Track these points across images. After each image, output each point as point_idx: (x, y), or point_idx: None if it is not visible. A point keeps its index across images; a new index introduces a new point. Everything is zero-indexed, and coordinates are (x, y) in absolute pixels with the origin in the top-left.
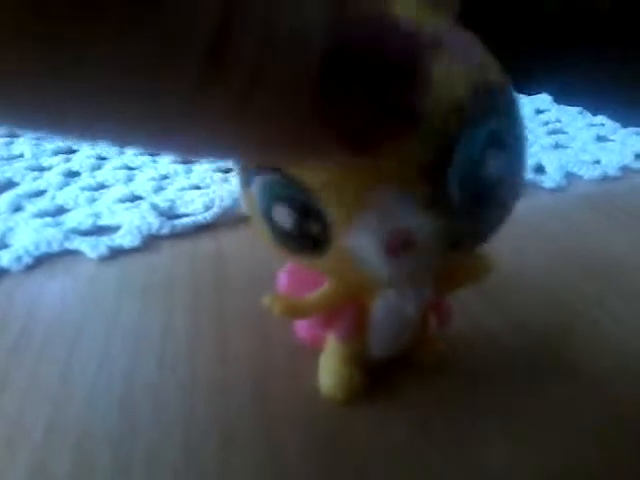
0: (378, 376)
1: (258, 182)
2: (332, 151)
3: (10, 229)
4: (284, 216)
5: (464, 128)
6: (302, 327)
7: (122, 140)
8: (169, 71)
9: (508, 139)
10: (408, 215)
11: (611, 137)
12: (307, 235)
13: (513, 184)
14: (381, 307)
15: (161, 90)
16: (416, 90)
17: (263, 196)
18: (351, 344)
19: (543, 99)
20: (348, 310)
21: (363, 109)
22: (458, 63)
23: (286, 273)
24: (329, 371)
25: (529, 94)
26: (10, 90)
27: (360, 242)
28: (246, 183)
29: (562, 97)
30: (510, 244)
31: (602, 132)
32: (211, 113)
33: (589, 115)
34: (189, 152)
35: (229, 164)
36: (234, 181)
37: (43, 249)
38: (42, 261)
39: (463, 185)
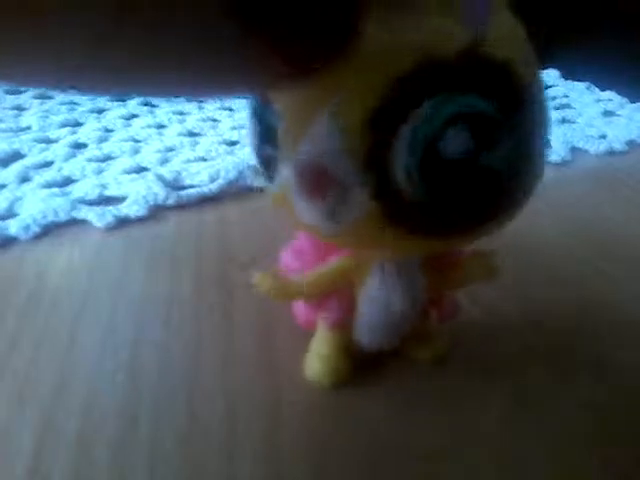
0: (371, 367)
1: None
2: (271, 74)
3: (18, 199)
4: (252, 131)
5: (429, 91)
6: (299, 309)
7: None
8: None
9: (497, 126)
10: (334, 153)
11: (618, 112)
12: (263, 154)
13: (500, 176)
14: (367, 295)
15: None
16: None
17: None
18: (340, 331)
19: (551, 74)
20: (337, 296)
21: (293, 29)
22: (454, 18)
23: (289, 252)
24: (316, 356)
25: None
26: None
27: (288, 171)
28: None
29: (570, 73)
30: (513, 220)
31: (609, 107)
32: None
33: (597, 90)
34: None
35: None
36: (239, 153)
37: (50, 218)
38: (49, 230)
39: (411, 152)
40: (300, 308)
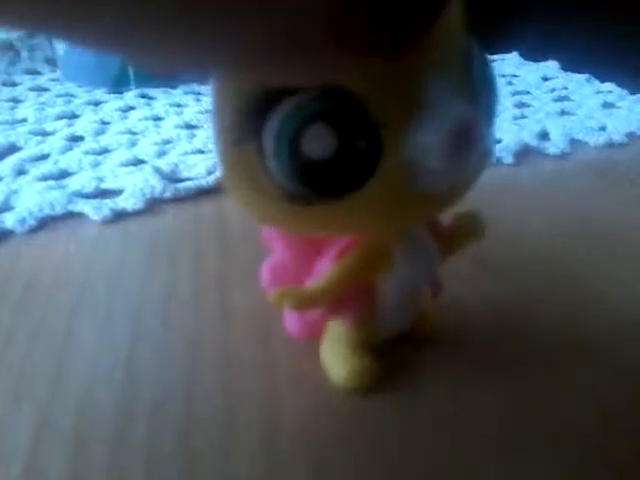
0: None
1: (282, 111)
2: (369, 52)
3: (14, 192)
4: (322, 137)
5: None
6: (295, 321)
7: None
8: None
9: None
10: (461, 103)
11: (618, 104)
12: (352, 155)
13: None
14: (393, 277)
15: None
16: None
17: (288, 126)
18: (361, 328)
19: (550, 66)
20: (357, 293)
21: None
22: None
23: (268, 268)
24: (339, 360)
25: (536, 61)
26: None
27: (423, 142)
28: (240, 139)
29: (570, 64)
30: (513, 210)
31: (609, 99)
32: None
33: (596, 82)
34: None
35: None
36: None
37: (47, 211)
38: (46, 223)
39: (480, 72)
40: (298, 319)
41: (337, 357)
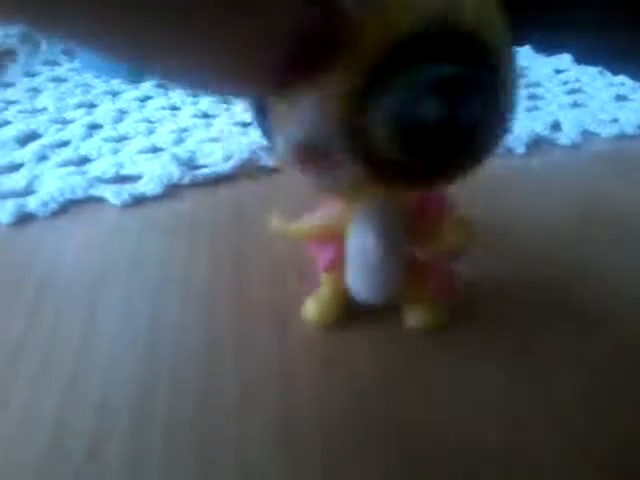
0: (377, 338)
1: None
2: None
3: (36, 177)
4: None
5: (402, 64)
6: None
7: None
8: None
9: (468, 89)
10: (323, 133)
11: (631, 96)
12: (260, 123)
13: (470, 132)
14: (349, 243)
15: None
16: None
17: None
18: (336, 277)
19: (563, 59)
20: (331, 243)
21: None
22: None
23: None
24: (314, 298)
25: (549, 54)
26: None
27: (279, 143)
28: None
29: (583, 57)
30: (524, 200)
31: (622, 91)
32: None
33: (609, 75)
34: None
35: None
36: (252, 134)
37: (68, 195)
38: (67, 207)
39: (389, 121)
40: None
41: (314, 295)
